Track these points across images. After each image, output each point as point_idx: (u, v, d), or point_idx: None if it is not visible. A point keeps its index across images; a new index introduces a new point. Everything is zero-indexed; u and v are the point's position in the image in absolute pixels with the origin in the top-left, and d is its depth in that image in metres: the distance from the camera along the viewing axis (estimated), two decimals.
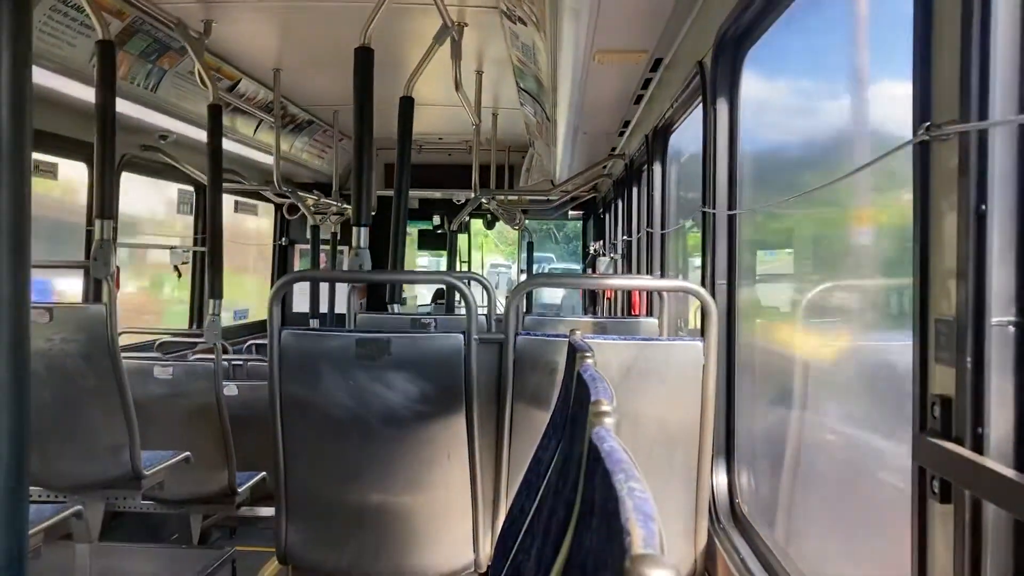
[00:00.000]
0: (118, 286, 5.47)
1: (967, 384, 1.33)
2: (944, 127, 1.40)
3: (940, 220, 1.43)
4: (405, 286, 8.28)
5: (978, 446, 1.31)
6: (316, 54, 5.98)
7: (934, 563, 1.44)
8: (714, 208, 3.16)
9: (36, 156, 5.35)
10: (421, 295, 12.78)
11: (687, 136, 4.84)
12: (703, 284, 3.19)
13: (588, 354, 1.98)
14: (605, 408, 1.27)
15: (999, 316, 1.32)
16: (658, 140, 5.26)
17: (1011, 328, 1.32)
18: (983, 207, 1.33)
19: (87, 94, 4.30)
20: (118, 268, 5.28)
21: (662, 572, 0.70)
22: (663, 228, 5.31)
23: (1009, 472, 1.20)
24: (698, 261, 3.39)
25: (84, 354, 3.85)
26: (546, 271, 15.80)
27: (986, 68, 1.32)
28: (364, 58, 3.73)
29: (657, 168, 5.40)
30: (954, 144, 1.38)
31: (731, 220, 3.13)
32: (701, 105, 3.41)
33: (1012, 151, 1.33)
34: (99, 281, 4.23)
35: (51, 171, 5.48)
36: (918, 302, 1.49)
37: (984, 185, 1.33)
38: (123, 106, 5.02)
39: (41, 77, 4.40)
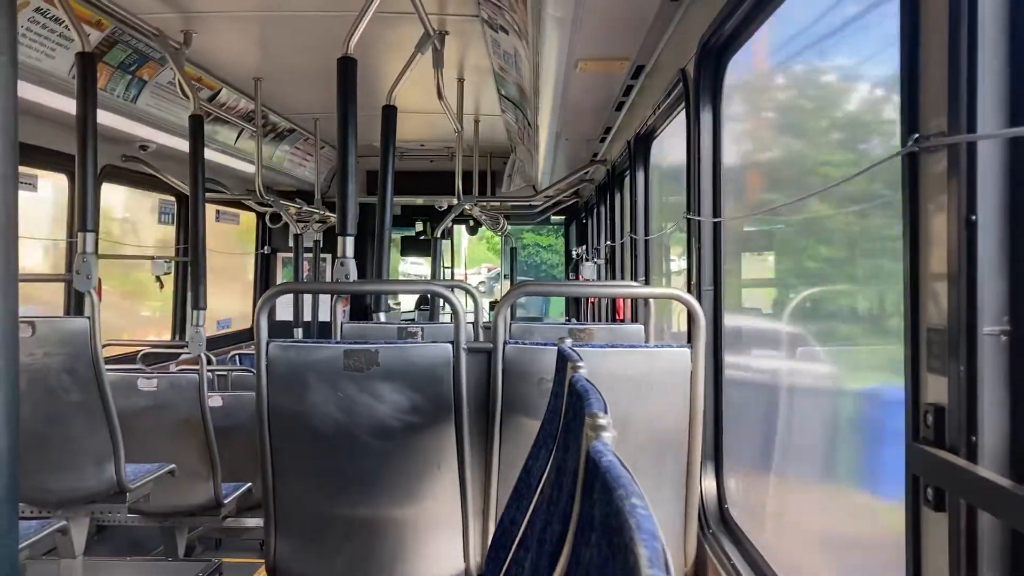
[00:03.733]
0: (100, 297, 5.42)
1: (960, 393, 1.34)
2: (933, 138, 1.41)
3: (929, 230, 1.44)
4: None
5: (972, 455, 1.32)
6: (296, 63, 5.96)
7: (928, 571, 1.44)
8: (699, 215, 3.17)
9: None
10: (404, 301, 12.74)
11: (669, 143, 4.86)
12: (688, 290, 3.20)
13: (580, 364, 1.97)
14: (602, 421, 1.26)
15: (991, 325, 1.33)
16: (640, 146, 5.28)
17: (1003, 337, 1.33)
18: (973, 217, 1.33)
19: (66, 105, 4.26)
20: (99, 280, 5.22)
21: None
22: (647, 234, 5.32)
23: (1003, 481, 1.21)
24: (677, 265, 3.40)
25: (67, 368, 3.81)
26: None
27: (974, 80, 1.33)
28: (347, 68, 3.72)
29: (640, 174, 5.41)
30: (943, 155, 1.39)
31: (716, 227, 3.14)
32: (684, 112, 3.43)
33: (1001, 161, 1.34)
34: (81, 294, 4.19)
35: (31, 183, 5.43)
36: (909, 311, 1.49)
37: (974, 195, 1.34)
38: (103, 117, 4.97)
39: (20, 89, 4.36)
